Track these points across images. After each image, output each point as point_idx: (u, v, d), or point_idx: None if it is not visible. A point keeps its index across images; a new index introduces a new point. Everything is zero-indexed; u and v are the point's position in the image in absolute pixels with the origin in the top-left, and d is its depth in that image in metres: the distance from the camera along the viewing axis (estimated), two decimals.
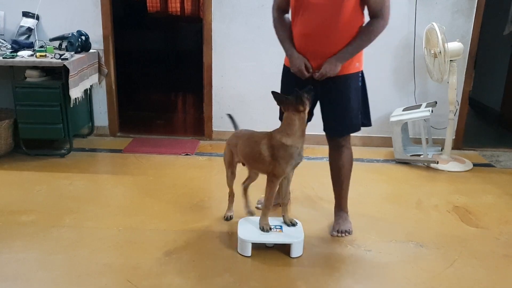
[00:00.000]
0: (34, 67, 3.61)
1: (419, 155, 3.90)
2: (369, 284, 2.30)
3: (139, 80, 6.91)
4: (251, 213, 2.76)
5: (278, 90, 2.52)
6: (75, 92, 3.64)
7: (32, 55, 3.63)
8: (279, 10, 2.58)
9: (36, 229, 2.67)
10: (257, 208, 2.88)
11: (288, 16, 2.58)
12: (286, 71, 2.61)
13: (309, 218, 2.84)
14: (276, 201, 2.71)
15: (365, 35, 2.40)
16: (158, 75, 7.34)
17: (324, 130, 2.65)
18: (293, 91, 2.33)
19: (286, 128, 2.36)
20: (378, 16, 2.39)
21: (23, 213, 2.86)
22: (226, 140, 2.77)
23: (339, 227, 2.70)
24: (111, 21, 4.14)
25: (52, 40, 3.96)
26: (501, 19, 5.11)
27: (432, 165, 3.82)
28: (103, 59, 4.15)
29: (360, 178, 3.61)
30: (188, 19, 8.46)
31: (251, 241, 2.44)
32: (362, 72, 2.59)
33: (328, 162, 2.75)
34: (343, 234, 2.67)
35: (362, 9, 2.42)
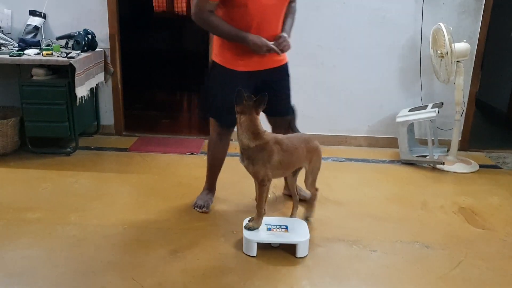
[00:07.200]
0: (41, 66, 3.62)
1: (425, 156, 3.89)
2: (374, 284, 2.29)
3: (144, 79, 6.92)
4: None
5: None
6: (81, 91, 3.65)
7: (38, 54, 3.64)
8: (211, 12, 2.51)
9: (42, 227, 2.68)
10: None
11: None
12: (223, 72, 2.67)
13: (315, 218, 2.83)
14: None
15: (292, 18, 2.76)
16: (163, 75, 7.35)
17: (276, 114, 2.84)
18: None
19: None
20: (294, 1, 2.79)
21: (28, 210, 2.87)
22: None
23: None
24: (117, 20, 4.14)
25: (58, 38, 3.98)
26: (508, 20, 5.08)
27: (438, 166, 3.81)
28: (109, 58, 4.16)
29: (366, 178, 3.60)
30: None
31: (257, 241, 2.44)
32: None
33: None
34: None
35: None
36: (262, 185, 2.46)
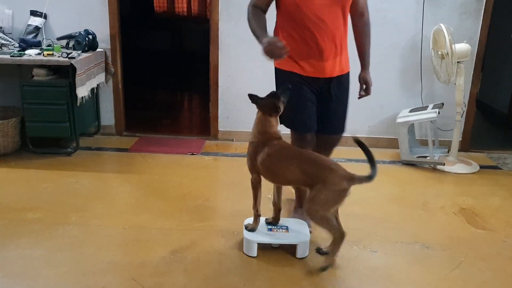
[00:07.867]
0: (42, 66, 3.62)
1: (425, 157, 3.88)
2: (374, 285, 2.29)
3: (145, 79, 6.93)
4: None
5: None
6: (82, 91, 3.65)
7: (39, 54, 3.64)
8: (257, 7, 2.45)
9: (42, 227, 2.68)
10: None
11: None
12: (281, 74, 2.54)
13: None
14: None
15: (369, 36, 2.62)
16: (164, 75, 7.36)
17: (325, 131, 2.61)
18: (274, 94, 2.40)
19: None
20: (364, 14, 2.58)
21: (29, 210, 2.87)
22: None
23: None
24: (118, 21, 4.15)
25: (59, 39, 3.98)
26: (509, 21, 5.08)
27: (439, 166, 3.80)
28: (110, 58, 4.16)
29: None
30: (195, 19, 8.47)
31: (257, 241, 2.44)
32: None
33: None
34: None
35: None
36: (251, 182, 2.44)
